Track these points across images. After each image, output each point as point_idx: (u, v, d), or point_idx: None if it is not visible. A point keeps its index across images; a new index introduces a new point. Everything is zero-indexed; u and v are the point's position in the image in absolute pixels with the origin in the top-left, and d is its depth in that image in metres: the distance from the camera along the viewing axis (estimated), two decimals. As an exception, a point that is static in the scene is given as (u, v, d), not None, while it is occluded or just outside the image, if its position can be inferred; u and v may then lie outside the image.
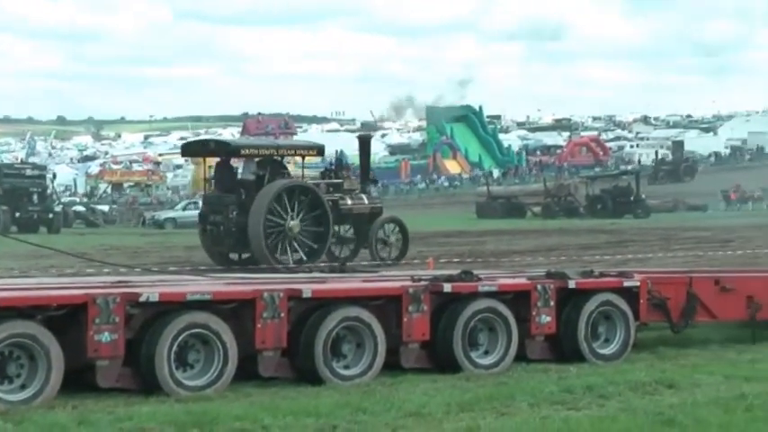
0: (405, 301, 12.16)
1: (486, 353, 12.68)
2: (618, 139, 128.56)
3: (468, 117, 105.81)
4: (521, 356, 12.90)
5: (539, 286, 13.06)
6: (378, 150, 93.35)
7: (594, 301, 13.33)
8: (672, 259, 27.68)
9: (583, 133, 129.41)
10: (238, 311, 11.40)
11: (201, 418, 9.44)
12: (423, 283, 12.60)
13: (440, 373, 12.15)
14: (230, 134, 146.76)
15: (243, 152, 28.04)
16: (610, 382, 11.32)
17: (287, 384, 11.53)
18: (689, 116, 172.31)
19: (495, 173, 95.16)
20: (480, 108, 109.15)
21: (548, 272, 13.82)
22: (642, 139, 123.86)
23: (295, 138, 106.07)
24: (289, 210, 26.39)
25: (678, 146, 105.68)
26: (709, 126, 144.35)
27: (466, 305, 12.52)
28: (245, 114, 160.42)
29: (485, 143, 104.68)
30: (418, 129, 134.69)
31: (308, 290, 11.89)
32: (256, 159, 27.53)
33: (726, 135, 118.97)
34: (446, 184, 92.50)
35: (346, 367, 11.85)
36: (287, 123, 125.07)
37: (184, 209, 59.64)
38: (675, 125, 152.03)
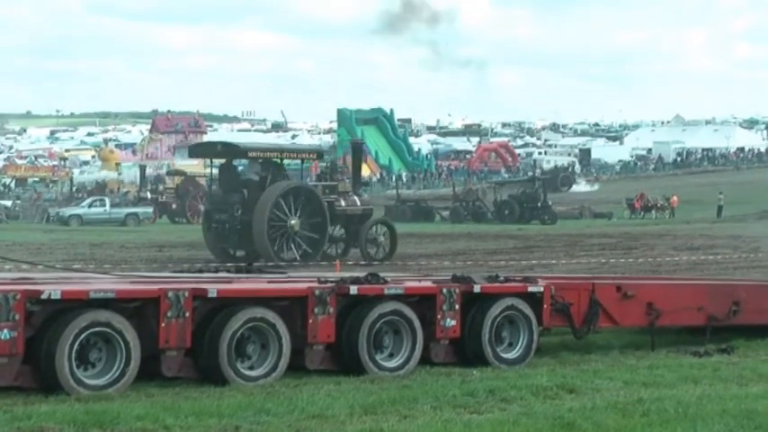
0: (310, 302, 12.16)
1: (391, 355, 12.73)
2: (527, 145, 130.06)
3: (379, 120, 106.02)
4: (425, 360, 12.96)
5: (444, 290, 13.12)
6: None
7: (499, 306, 13.43)
8: (576, 265, 28.01)
9: (492, 139, 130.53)
10: (142, 310, 11.30)
11: (102, 418, 9.32)
12: (329, 284, 12.59)
13: (344, 376, 12.16)
14: (139, 131, 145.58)
15: (250, 154, 29.55)
16: (512, 386, 11.41)
17: (190, 385, 11.45)
18: (596, 124, 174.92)
19: (405, 176, 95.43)
20: (391, 111, 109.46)
21: (453, 276, 13.89)
22: (550, 146, 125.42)
23: (205, 137, 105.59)
24: (290, 209, 27.88)
25: (585, 154, 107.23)
26: (615, 135, 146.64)
27: (372, 308, 12.55)
28: (155, 112, 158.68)
29: (395, 146, 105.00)
30: (329, 131, 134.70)
31: (213, 290, 11.82)
32: (260, 161, 28.91)
33: (632, 144, 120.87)
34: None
35: (251, 368, 11.81)
36: (197, 122, 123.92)
37: (90, 206, 58.92)
38: (583, 133, 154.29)
